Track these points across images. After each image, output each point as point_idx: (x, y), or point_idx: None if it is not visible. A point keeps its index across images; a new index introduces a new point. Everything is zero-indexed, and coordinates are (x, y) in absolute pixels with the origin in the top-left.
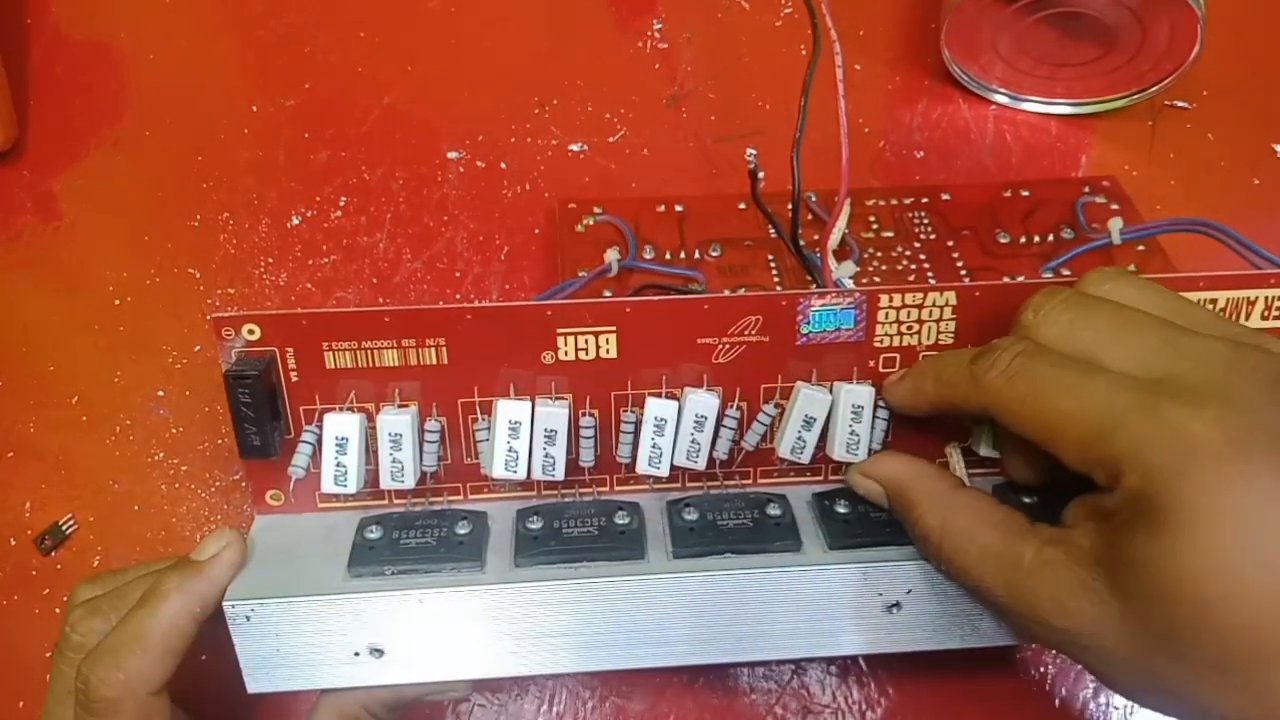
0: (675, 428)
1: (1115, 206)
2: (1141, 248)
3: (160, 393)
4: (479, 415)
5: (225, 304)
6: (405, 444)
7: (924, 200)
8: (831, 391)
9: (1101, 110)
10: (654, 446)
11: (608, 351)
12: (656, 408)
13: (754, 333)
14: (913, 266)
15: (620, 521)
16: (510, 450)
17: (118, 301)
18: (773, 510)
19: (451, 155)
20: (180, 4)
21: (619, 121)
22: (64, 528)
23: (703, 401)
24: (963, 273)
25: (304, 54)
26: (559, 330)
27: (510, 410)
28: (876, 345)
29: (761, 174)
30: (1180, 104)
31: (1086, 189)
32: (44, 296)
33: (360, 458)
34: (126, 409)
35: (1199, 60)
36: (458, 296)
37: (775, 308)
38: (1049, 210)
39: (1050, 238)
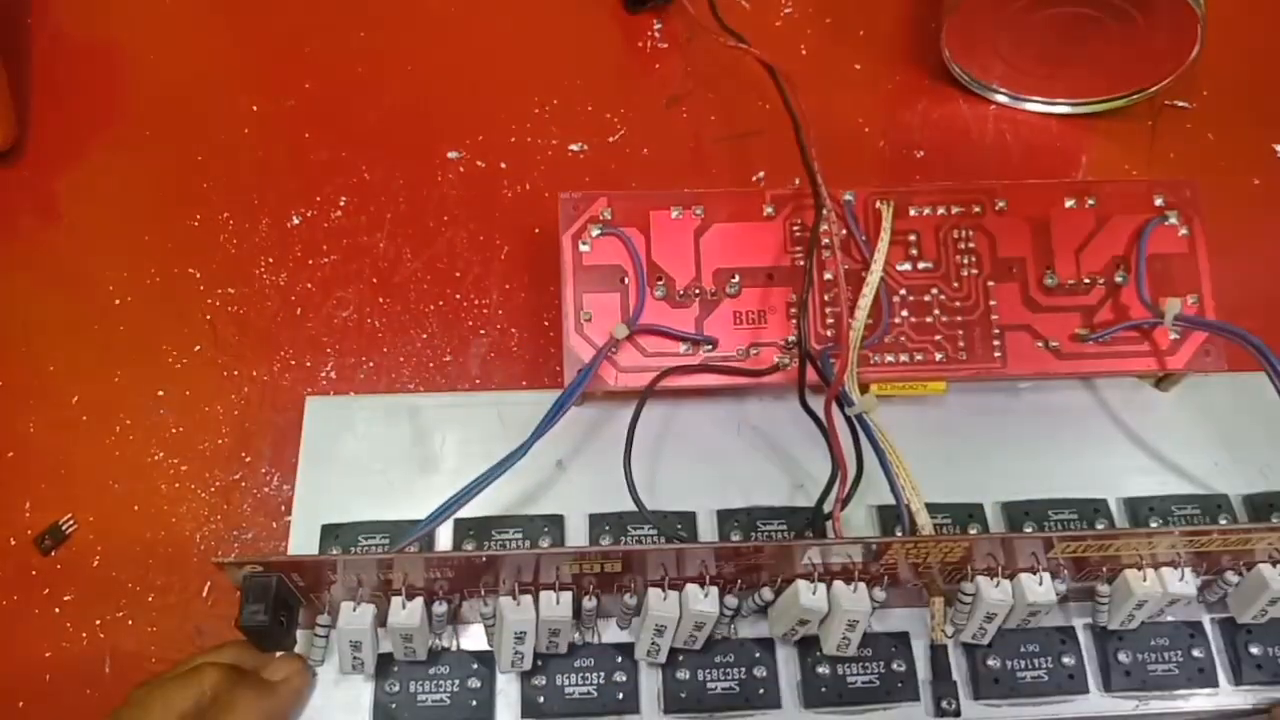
0: (675, 627)
1: (1184, 233)
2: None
3: (160, 393)
4: (484, 598)
5: (225, 303)
6: (416, 637)
7: (975, 210)
8: (830, 591)
9: (1101, 110)
10: (653, 643)
11: (613, 569)
12: (657, 612)
13: (759, 557)
14: (937, 356)
15: (618, 680)
16: (516, 653)
17: (118, 301)
18: (759, 673)
19: (451, 155)
20: (180, 4)
21: (619, 121)
22: (64, 528)
23: (703, 610)
24: (995, 334)
25: (304, 54)
26: (559, 566)
27: (515, 619)
28: (881, 563)
29: (832, 354)
30: (1180, 104)
31: (1160, 200)
32: (44, 296)
33: (373, 646)
34: (126, 409)
35: (1199, 60)
36: (457, 297)
37: (788, 557)
38: (1112, 235)
39: (1101, 281)
